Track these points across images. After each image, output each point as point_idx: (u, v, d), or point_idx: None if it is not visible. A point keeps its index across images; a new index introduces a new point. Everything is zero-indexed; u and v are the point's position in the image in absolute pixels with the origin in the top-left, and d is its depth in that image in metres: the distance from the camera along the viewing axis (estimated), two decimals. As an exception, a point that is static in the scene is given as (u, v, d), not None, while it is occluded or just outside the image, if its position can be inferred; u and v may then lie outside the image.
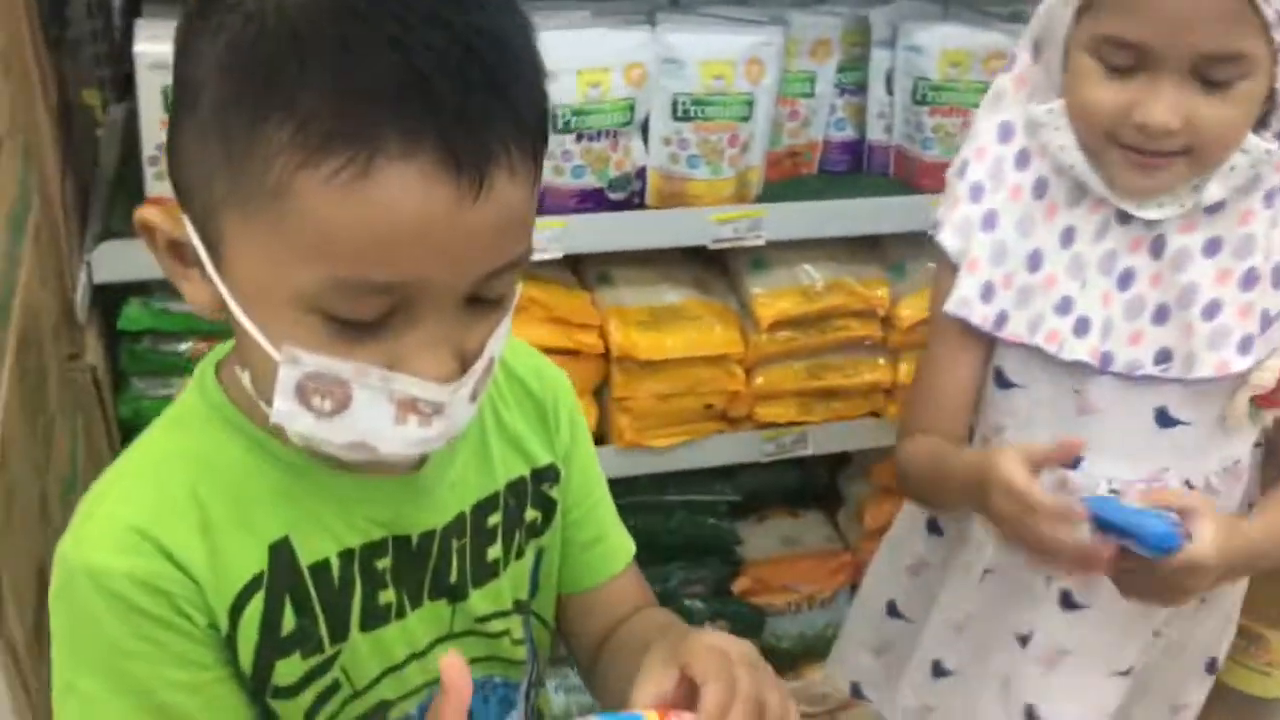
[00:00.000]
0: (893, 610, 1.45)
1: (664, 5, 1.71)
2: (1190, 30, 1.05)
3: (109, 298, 1.52)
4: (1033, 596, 1.26)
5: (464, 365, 0.71)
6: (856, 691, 1.53)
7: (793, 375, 1.81)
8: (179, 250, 0.73)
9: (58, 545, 0.76)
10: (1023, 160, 1.21)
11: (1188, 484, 1.20)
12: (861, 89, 1.77)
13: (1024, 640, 1.27)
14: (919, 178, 1.74)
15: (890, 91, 1.74)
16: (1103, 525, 1.05)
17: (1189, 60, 1.06)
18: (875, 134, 1.79)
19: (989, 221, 1.22)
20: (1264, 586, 1.40)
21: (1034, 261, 1.21)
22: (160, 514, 0.74)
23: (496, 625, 0.89)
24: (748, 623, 1.97)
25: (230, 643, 0.77)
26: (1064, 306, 1.19)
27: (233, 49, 0.65)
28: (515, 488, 0.90)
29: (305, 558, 0.79)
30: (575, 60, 1.52)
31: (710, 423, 1.81)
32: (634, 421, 1.75)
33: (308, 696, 0.81)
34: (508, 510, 0.89)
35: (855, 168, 1.83)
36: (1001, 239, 1.22)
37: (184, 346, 1.56)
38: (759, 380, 1.80)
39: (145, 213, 0.73)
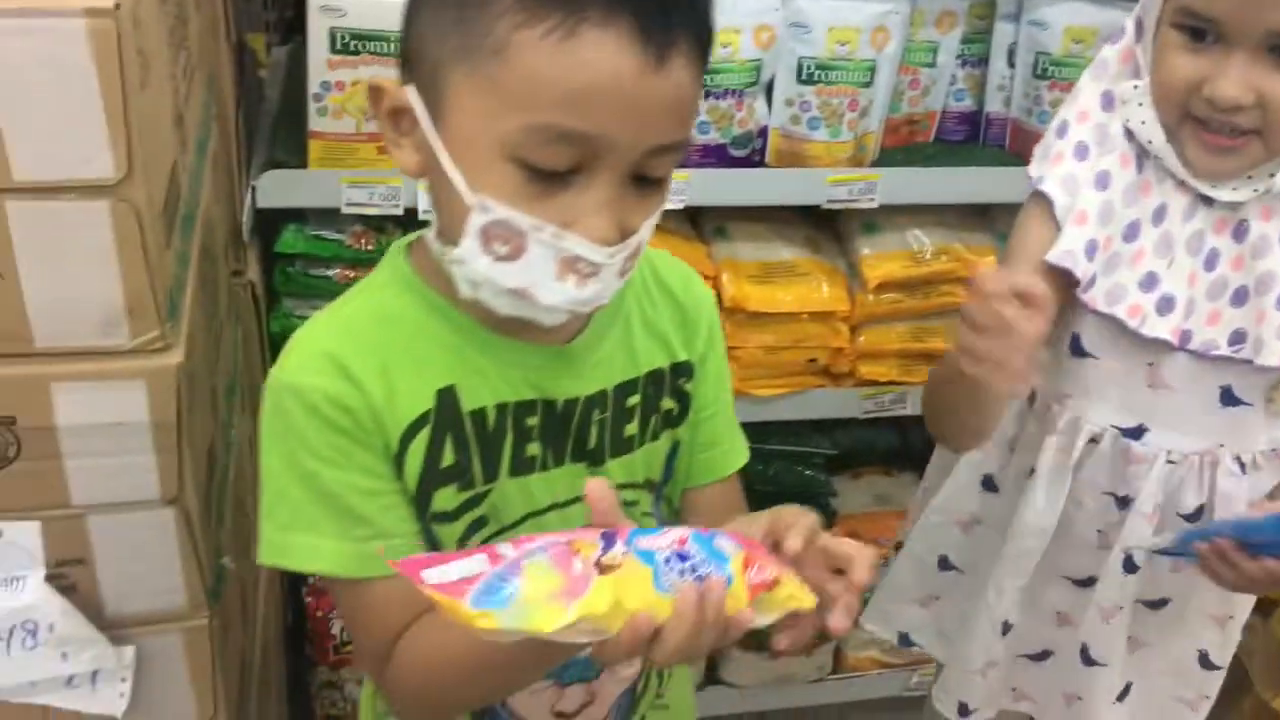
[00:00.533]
0: (945, 564, 1.47)
1: (797, -28, 1.79)
2: (1261, 6, 1.06)
3: (269, 222, 1.67)
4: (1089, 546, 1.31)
5: (622, 237, 0.83)
6: (905, 640, 1.55)
7: (896, 336, 1.88)
8: (396, 118, 0.86)
9: (266, 379, 0.90)
10: (1130, 132, 1.22)
11: (1239, 460, 1.24)
12: (983, 61, 1.82)
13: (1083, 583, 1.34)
14: (1034, 150, 1.78)
15: (1011, 65, 1.78)
16: (1252, 547, 1.13)
17: (1262, 36, 1.07)
18: (993, 106, 1.83)
19: (1102, 181, 1.22)
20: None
21: (1131, 232, 1.21)
22: (348, 348, 0.88)
23: (629, 495, 1.01)
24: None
25: (399, 468, 0.90)
26: (1148, 283, 1.20)
27: None
28: (654, 376, 1.01)
29: (466, 404, 0.92)
30: (707, 21, 1.60)
31: (813, 377, 1.89)
32: (740, 370, 1.84)
33: (460, 525, 0.94)
34: (646, 395, 1.01)
35: (972, 138, 1.88)
36: (1111, 200, 1.22)
37: (331, 272, 1.69)
38: (862, 339, 1.87)
39: (377, 79, 0.86)
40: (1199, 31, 1.12)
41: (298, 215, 1.67)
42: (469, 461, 0.93)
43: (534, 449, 0.95)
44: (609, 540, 0.76)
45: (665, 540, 0.77)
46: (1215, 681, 1.40)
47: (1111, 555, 1.29)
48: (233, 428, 1.39)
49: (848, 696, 2.17)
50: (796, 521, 0.85)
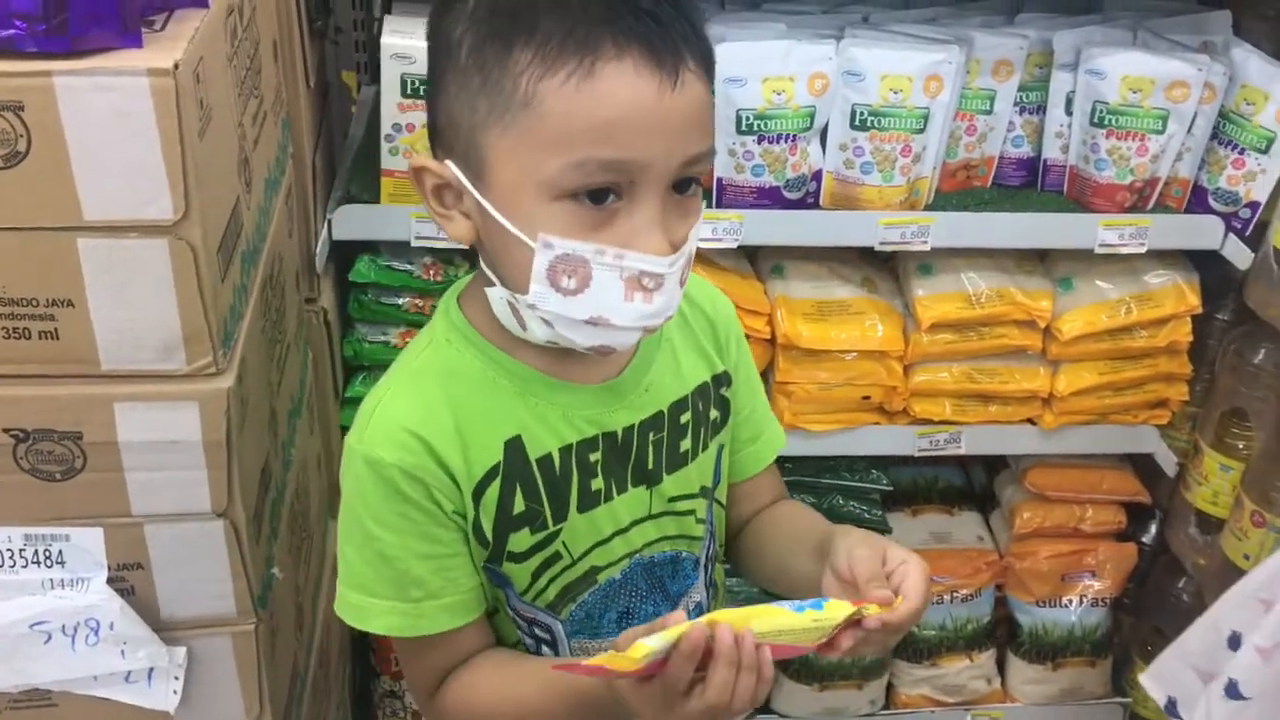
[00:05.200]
0: (1234, 643, 1.43)
1: (856, 23, 1.83)
2: None
3: (344, 253, 1.77)
4: None
5: (675, 248, 0.89)
6: (1172, 708, 1.52)
7: (950, 376, 1.90)
8: (441, 193, 0.93)
9: (345, 440, 0.99)
10: None
11: None
12: (1041, 109, 1.83)
13: None
14: (1090, 197, 1.79)
15: (1069, 113, 1.80)
16: None
17: None
18: (1051, 152, 1.84)
19: None
20: None
21: None
22: (426, 418, 0.96)
23: (684, 505, 1.08)
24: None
25: (476, 519, 0.98)
26: None
27: (481, 6, 0.87)
28: (701, 390, 1.09)
29: (533, 452, 0.99)
30: (762, 68, 1.66)
31: (867, 414, 1.92)
32: (794, 405, 1.88)
33: (534, 562, 1.02)
34: (696, 410, 1.08)
35: (1030, 183, 1.89)
36: None
37: (402, 300, 1.79)
38: (916, 378, 1.89)
39: (418, 158, 0.93)
40: None
41: (372, 247, 1.78)
42: (540, 506, 1.00)
43: (598, 483, 1.02)
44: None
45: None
46: None
47: None
48: (294, 446, 1.49)
49: (899, 732, 2.18)
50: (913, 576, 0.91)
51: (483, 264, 0.96)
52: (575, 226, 0.86)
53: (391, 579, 0.97)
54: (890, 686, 2.18)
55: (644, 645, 0.81)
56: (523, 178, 0.86)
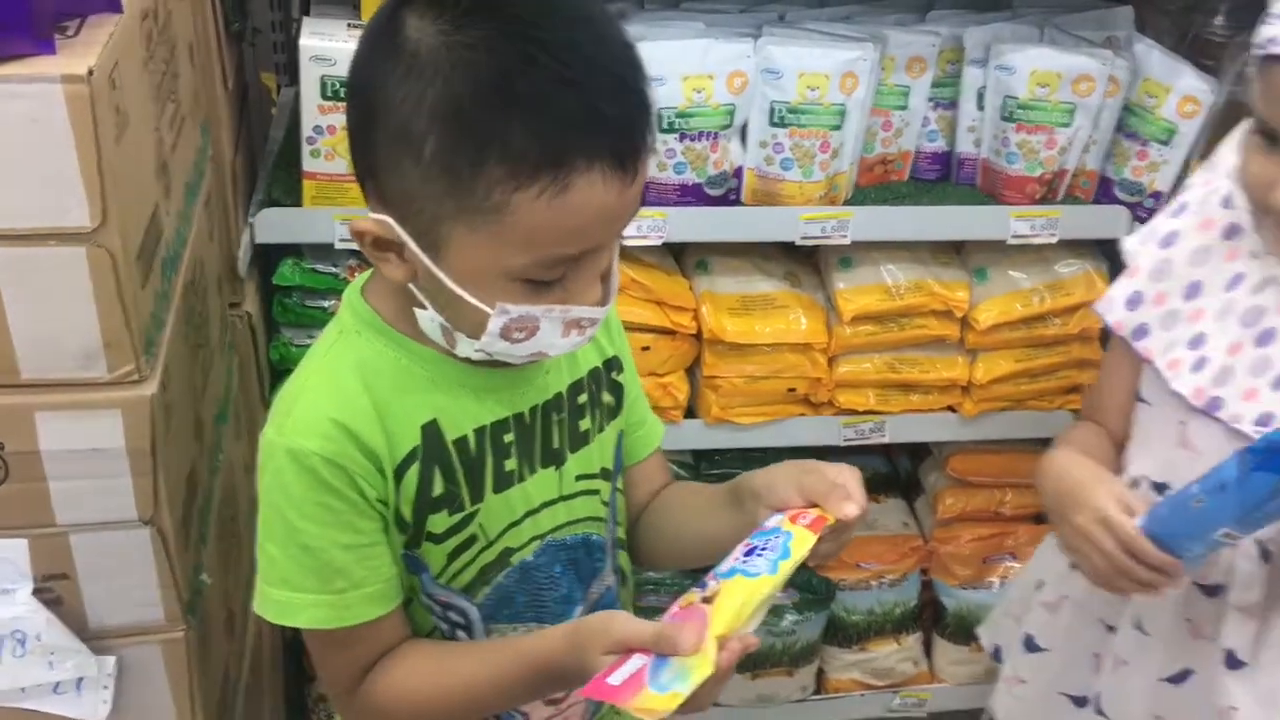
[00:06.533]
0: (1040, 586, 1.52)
1: (773, 21, 1.86)
2: None
3: (268, 257, 1.76)
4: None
5: (605, 287, 0.97)
6: (997, 655, 1.61)
7: (872, 367, 1.94)
8: (381, 243, 0.95)
9: (261, 437, 0.99)
10: (1229, 201, 1.26)
11: (1259, 543, 1.21)
12: (954, 104, 1.88)
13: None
14: (1002, 189, 1.84)
15: (981, 107, 1.84)
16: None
17: None
18: (965, 146, 1.89)
19: (1168, 239, 1.29)
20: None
21: (1191, 291, 1.25)
22: (346, 406, 0.97)
23: (589, 485, 1.12)
24: (819, 594, 2.11)
25: (395, 503, 1.00)
26: (1196, 342, 1.24)
27: (446, 104, 0.86)
28: (594, 374, 1.14)
29: (449, 434, 1.02)
30: (682, 67, 1.68)
31: (793, 405, 1.96)
32: (721, 399, 1.91)
33: (451, 543, 1.04)
34: (590, 391, 1.13)
35: (944, 176, 1.94)
36: (1170, 258, 1.27)
37: (327, 303, 1.78)
38: (840, 369, 1.93)
39: (359, 224, 0.95)
40: (1272, 137, 1.12)
41: (295, 250, 1.77)
42: (458, 488, 1.03)
43: (511, 464, 1.05)
44: (702, 585, 0.94)
45: (736, 554, 0.96)
46: None
47: (1129, 604, 1.33)
48: (221, 452, 1.48)
49: (830, 717, 2.22)
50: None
51: (414, 289, 0.97)
52: (528, 295, 0.92)
53: (315, 571, 0.98)
54: (820, 672, 2.22)
55: (680, 695, 0.85)
56: (486, 264, 0.91)
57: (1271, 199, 1.13)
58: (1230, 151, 1.26)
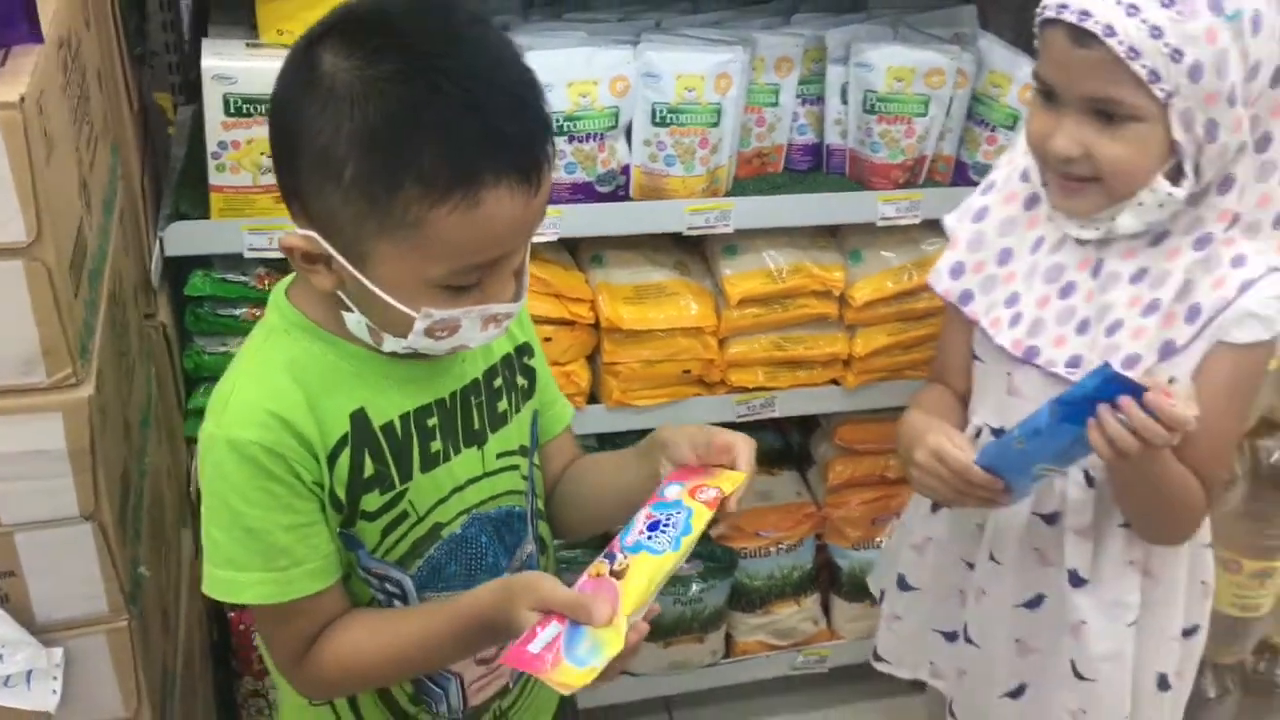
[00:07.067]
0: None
1: (650, 28, 1.99)
2: (1073, 74, 1.24)
3: (179, 269, 1.82)
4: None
5: (518, 283, 1.07)
6: (880, 599, 1.79)
7: (760, 346, 2.07)
8: (309, 256, 1.04)
9: (200, 432, 1.08)
10: (1027, 175, 1.44)
11: (1087, 475, 1.40)
12: (820, 99, 2.03)
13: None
14: (869, 176, 2.00)
15: (845, 102, 2.00)
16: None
17: (1082, 99, 1.24)
18: (832, 138, 2.05)
19: (980, 214, 1.47)
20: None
21: (1003, 257, 1.44)
22: (279, 398, 1.06)
23: (509, 461, 1.23)
24: (722, 563, 2.24)
25: (330, 485, 1.09)
26: (1011, 300, 1.42)
27: (363, 133, 0.95)
28: (507, 360, 1.25)
29: (377, 421, 1.12)
30: (567, 74, 1.80)
31: (689, 386, 2.08)
32: (621, 384, 2.03)
33: (384, 520, 1.14)
34: (504, 376, 1.23)
35: (816, 167, 2.09)
36: (983, 230, 1.45)
37: (239, 311, 1.85)
38: (730, 350, 2.07)
39: (288, 239, 1.04)
40: (1049, 93, 1.28)
41: (205, 262, 1.84)
42: (387, 469, 1.12)
43: (436, 445, 1.16)
44: (610, 556, 1.04)
45: (639, 526, 1.07)
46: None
47: (984, 540, 1.49)
48: (147, 456, 1.55)
49: (740, 678, 2.35)
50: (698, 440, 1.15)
51: (342, 295, 1.07)
52: (449, 299, 1.03)
53: (259, 551, 1.07)
54: (729, 637, 2.35)
55: (595, 670, 0.95)
56: (408, 275, 1.01)
57: (1049, 146, 1.29)
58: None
